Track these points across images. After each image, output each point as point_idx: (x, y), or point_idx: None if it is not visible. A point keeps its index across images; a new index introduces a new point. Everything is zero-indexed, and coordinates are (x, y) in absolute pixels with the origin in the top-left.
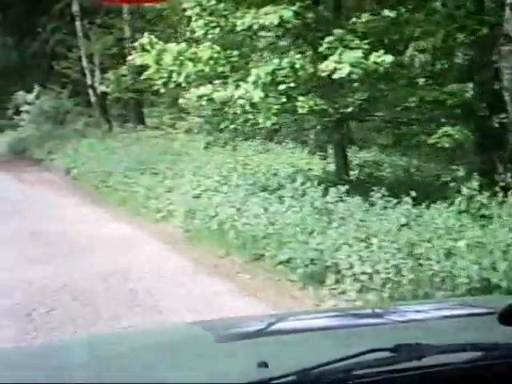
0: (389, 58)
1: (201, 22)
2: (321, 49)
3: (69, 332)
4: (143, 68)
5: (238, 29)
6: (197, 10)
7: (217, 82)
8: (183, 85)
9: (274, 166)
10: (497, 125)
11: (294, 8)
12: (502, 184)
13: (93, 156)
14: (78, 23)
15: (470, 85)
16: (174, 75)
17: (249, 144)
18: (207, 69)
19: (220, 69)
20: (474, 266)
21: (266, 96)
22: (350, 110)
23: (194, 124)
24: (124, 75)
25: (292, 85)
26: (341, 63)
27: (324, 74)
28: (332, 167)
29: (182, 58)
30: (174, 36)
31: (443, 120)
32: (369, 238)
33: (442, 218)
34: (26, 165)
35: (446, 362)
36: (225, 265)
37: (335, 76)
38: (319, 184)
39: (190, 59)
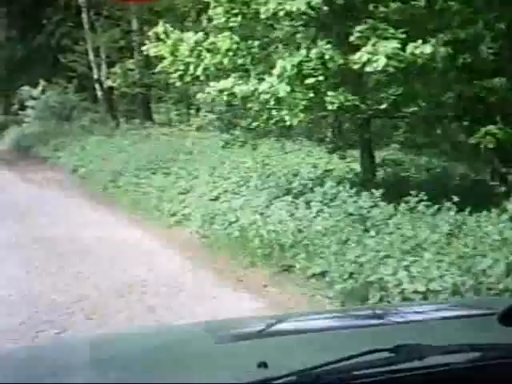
0: (428, 49)
1: (220, 10)
2: (351, 38)
3: None
4: (151, 61)
5: (262, 16)
6: None
7: (235, 75)
8: (201, 78)
9: (294, 166)
10: None
11: None
12: None
13: (100, 154)
14: (84, 15)
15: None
16: (191, 67)
17: (263, 142)
18: (226, 61)
19: (240, 61)
20: None
21: (293, 90)
22: (383, 106)
23: (205, 121)
24: (131, 69)
25: (321, 78)
26: (375, 54)
27: (356, 67)
28: (356, 167)
29: (199, 48)
30: (185, 28)
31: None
32: (415, 250)
33: (495, 228)
34: (31, 163)
35: (446, 363)
36: (250, 276)
37: (368, 69)
38: (351, 187)
39: (208, 50)
